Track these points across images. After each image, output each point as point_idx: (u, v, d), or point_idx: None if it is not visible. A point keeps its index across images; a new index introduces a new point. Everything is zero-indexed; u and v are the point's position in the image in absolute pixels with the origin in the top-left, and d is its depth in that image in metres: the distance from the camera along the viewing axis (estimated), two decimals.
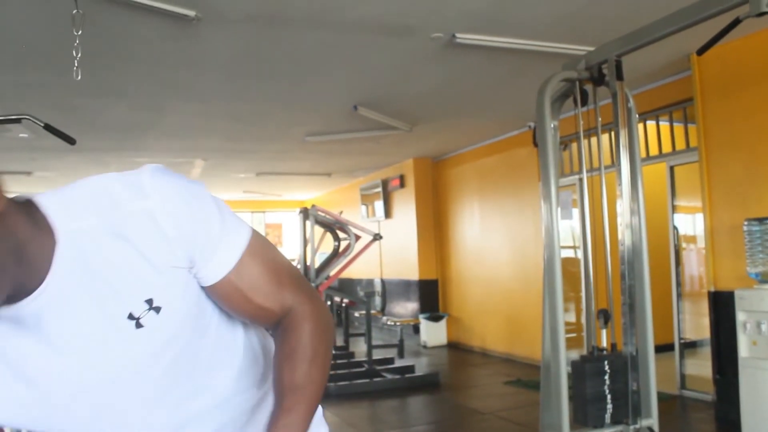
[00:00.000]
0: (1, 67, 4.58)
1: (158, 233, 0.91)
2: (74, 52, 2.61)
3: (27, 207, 0.87)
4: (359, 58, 4.89)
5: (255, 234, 1.05)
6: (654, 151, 6.13)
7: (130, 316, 0.92)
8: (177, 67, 4.91)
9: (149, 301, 0.92)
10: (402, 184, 10.51)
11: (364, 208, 11.79)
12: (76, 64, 2.64)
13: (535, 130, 3.33)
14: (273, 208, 15.56)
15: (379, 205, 11.15)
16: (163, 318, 0.94)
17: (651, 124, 6.17)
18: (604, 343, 3.51)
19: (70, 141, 2.85)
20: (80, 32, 2.55)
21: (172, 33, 4.04)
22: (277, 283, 1.06)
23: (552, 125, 3.38)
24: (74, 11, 2.47)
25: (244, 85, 5.54)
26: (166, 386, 1.02)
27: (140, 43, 4.29)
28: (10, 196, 0.85)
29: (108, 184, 0.92)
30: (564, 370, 3.29)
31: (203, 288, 1.01)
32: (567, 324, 7.10)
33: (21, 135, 6.76)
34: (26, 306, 0.87)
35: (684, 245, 6.50)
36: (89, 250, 0.88)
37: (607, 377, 3.39)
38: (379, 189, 11.14)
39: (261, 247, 1.05)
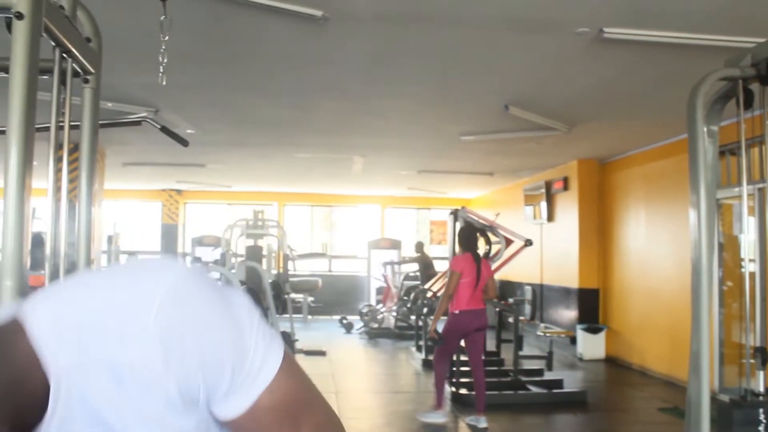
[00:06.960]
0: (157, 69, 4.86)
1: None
2: (160, 57, 2.59)
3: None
4: (501, 56, 4.62)
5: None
6: None
7: None
8: (312, 67, 4.93)
9: None
10: (565, 187, 9.93)
11: (528, 209, 11.32)
12: (161, 70, 2.63)
13: None
14: (437, 206, 15.46)
15: (543, 206, 10.65)
16: None
17: None
18: (762, 386, 3.02)
19: (184, 143, 2.91)
20: (167, 38, 2.53)
21: (302, 33, 4.04)
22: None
23: (705, 130, 3.02)
24: (162, 17, 2.45)
25: (384, 83, 5.46)
26: None
27: (273, 43, 4.35)
28: None
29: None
30: (707, 412, 2.87)
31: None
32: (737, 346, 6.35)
33: (188, 131, 7.21)
34: None
35: None
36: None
37: (762, 428, 2.89)
38: (543, 190, 10.61)
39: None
